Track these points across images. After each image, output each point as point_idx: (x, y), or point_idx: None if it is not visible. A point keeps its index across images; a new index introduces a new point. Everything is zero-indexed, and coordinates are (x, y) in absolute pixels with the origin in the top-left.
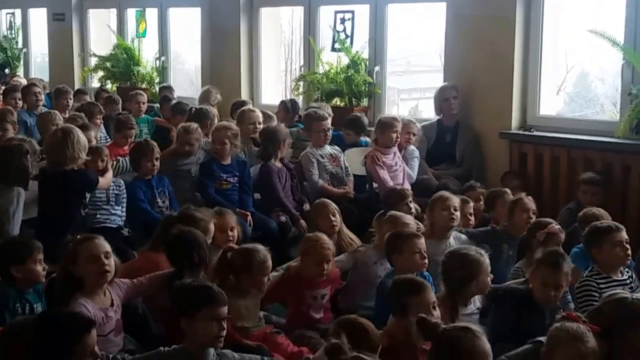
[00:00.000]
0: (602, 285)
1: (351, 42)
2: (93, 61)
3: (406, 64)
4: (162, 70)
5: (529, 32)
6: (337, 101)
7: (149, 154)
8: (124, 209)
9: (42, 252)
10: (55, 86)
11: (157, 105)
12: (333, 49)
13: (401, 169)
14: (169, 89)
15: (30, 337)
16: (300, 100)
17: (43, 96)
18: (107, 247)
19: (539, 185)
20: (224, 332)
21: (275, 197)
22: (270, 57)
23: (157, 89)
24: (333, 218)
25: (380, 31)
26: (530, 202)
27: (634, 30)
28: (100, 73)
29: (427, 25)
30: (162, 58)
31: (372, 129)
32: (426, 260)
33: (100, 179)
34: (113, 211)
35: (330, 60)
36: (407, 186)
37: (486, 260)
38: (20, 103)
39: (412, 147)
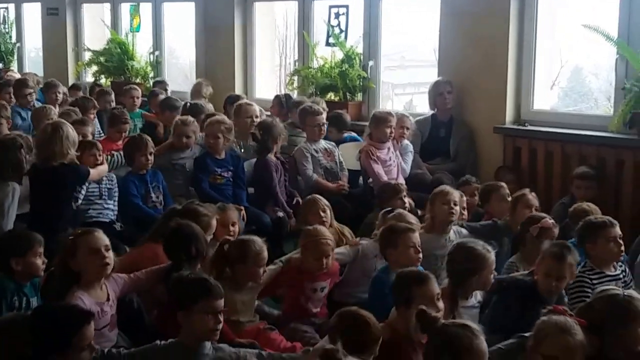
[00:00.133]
0: (595, 281)
1: (345, 37)
2: (87, 56)
3: (400, 59)
4: (156, 65)
5: (523, 27)
6: (331, 96)
7: (143, 149)
8: (117, 204)
9: (42, 245)
10: None
11: (146, 99)
12: (327, 44)
13: (395, 164)
14: (162, 83)
15: (19, 334)
16: (294, 94)
17: (35, 94)
18: (107, 240)
19: (533, 180)
20: (220, 326)
21: (272, 191)
22: (264, 51)
23: (152, 83)
24: (323, 214)
25: (374, 26)
26: (533, 198)
27: (627, 24)
28: (94, 68)
29: (421, 20)
30: (156, 53)
31: (366, 123)
32: (420, 255)
33: (92, 171)
34: (106, 205)
35: (324, 55)
36: (401, 181)
37: (492, 257)
38: (14, 98)
39: (406, 141)
